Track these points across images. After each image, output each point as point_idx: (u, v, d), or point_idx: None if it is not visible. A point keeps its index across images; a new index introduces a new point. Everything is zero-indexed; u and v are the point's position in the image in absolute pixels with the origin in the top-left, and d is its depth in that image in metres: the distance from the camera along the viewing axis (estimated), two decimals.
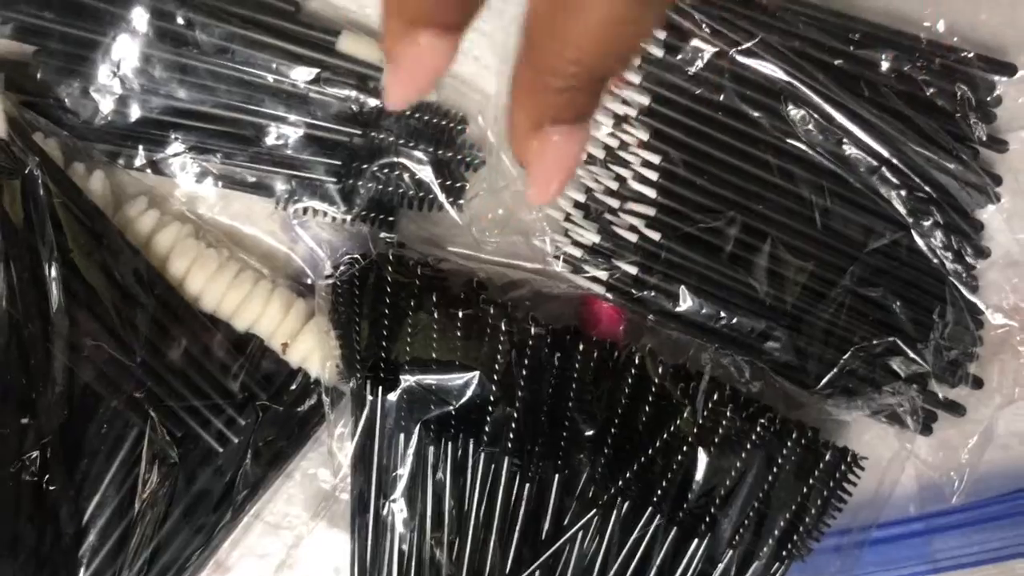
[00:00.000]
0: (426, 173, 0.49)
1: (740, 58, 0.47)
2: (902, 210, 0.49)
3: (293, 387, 0.49)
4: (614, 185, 0.48)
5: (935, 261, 0.48)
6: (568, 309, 0.50)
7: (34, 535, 0.46)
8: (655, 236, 0.47)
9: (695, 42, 0.47)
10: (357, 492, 0.48)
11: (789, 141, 0.48)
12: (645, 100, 0.48)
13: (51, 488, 0.46)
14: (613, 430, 0.46)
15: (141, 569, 0.47)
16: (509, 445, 0.46)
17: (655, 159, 0.48)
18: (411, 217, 0.50)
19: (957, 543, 0.52)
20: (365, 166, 0.49)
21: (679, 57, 0.48)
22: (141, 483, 0.46)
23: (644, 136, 0.48)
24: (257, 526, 0.52)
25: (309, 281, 0.51)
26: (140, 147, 0.49)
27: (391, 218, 0.50)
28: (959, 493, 0.51)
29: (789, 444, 0.46)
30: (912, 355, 0.48)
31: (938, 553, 0.52)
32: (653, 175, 0.48)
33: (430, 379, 0.45)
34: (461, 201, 0.50)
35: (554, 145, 0.25)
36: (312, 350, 0.49)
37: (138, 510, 0.47)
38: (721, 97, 0.48)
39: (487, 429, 0.46)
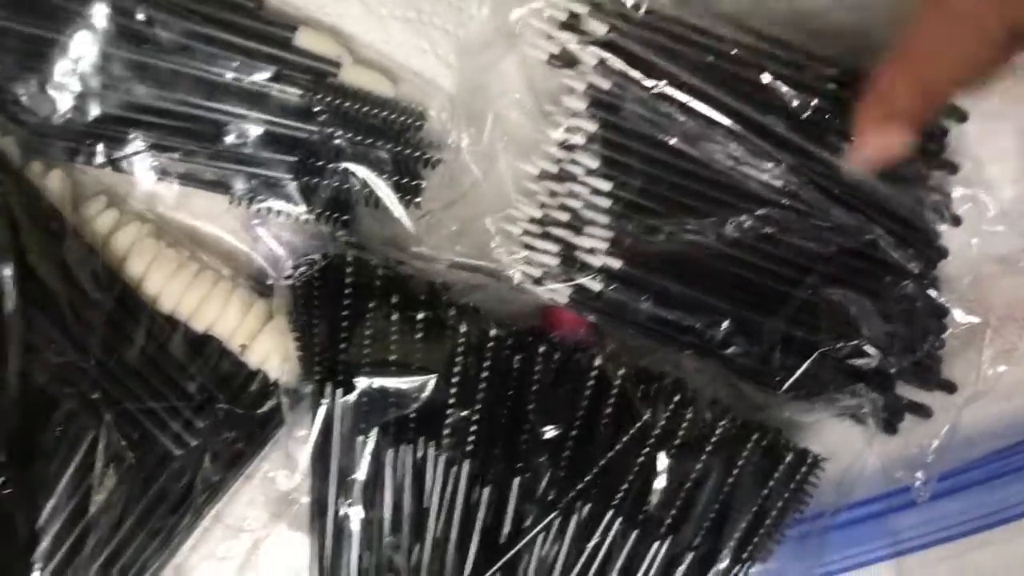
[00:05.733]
0: (379, 172, 0.48)
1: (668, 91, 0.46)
2: (854, 222, 0.48)
3: (252, 388, 0.48)
4: (573, 203, 0.47)
5: (895, 261, 0.48)
6: (529, 311, 0.50)
7: None
8: (616, 264, 0.46)
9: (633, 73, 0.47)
10: (315, 495, 0.48)
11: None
12: (592, 127, 0.47)
13: (5, 492, 0.45)
14: (573, 433, 0.46)
15: (97, 574, 0.47)
16: (468, 448, 0.46)
17: (606, 186, 0.47)
18: (373, 216, 0.50)
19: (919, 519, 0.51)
20: (322, 163, 0.48)
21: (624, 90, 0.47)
22: (96, 486, 0.46)
23: (593, 164, 0.47)
24: (217, 529, 0.51)
25: (270, 282, 0.50)
26: (99, 145, 0.48)
27: (346, 216, 0.49)
28: (923, 491, 0.51)
29: (750, 446, 0.46)
30: (874, 356, 0.48)
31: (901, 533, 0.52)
32: (605, 202, 0.47)
33: (387, 382, 0.45)
34: (418, 199, 0.49)
35: (892, 137, 0.39)
36: (271, 351, 0.48)
37: (93, 514, 0.46)
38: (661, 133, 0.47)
39: (446, 432, 0.46)
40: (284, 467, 0.51)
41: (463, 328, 0.45)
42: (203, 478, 0.48)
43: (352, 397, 0.45)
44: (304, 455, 0.50)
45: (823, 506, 0.49)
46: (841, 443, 0.51)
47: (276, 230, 0.50)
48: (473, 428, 0.46)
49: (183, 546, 0.50)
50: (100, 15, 0.47)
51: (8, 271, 0.45)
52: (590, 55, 0.46)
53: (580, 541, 0.47)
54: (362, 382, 0.45)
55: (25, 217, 0.45)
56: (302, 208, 0.49)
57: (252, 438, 0.49)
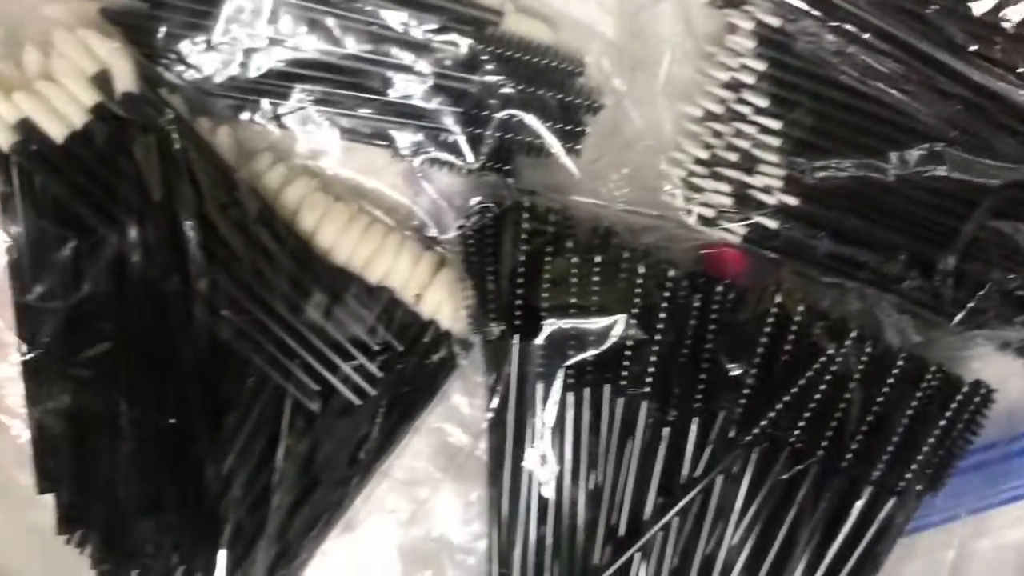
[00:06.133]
0: (543, 120, 0.49)
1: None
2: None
3: (425, 339, 0.49)
4: (741, 143, 0.47)
5: None
6: (691, 253, 0.50)
7: (177, 493, 0.46)
8: (793, 201, 0.46)
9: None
10: (495, 442, 0.48)
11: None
12: (760, 66, 0.47)
13: (193, 445, 0.46)
14: (753, 371, 0.46)
15: (282, 524, 0.47)
16: (647, 390, 0.46)
17: (776, 125, 0.47)
18: (532, 165, 0.50)
19: None
20: (487, 113, 0.48)
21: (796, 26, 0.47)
22: (282, 437, 0.46)
23: (763, 103, 0.47)
24: (384, 482, 0.51)
25: (430, 233, 0.51)
26: (264, 101, 0.48)
27: (508, 166, 0.50)
28: None
29: (927, 378, 0.46)
30: None
31: None
32: (775, 141, 0.47)
33: (572, 324, 0.45)
34: (579, 147, 0.49)
35: None
36: (443, 301, 0.48)
37: (279, 465, 0.46)
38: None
39: (625, 374, 0.46)
40: (449, 419, 0.51)
41: (641, 269, 0.45)
42: (379, 429, 0.48)
43: (537, 341, 0.45)
44: (471, 406, 0.51)
45: (992, 438, 0.49)
46: (1001, 377, 0.51)
47: (437, 182, 0.50)
48: (653, 369, 0.46)
49: (356, 499, 0.50)
50: None
51: (191, 230, 0.45)
52: None
53: (760, 479, 0.47)
54: (548, 325, 0.45)
55: (204, 175, 0.45)
56: (468, 159, 0.48)
57: (425, 389, 0.49)
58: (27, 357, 0.46)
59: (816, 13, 0.46)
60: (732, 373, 0.46)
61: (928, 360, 0.47)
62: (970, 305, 0.48)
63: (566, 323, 0.45)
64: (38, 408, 0.46)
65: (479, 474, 0.50)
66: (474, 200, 0.48)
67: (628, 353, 0.46)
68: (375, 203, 0.50)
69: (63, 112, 0.45)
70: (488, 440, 0.48)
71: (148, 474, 0.45)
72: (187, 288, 0.45)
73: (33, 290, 0.45)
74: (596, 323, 0.45)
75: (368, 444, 0.49)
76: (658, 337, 0.46)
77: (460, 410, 0.52)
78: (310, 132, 0.49)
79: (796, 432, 0.46)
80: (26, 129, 0.45)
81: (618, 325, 0.45)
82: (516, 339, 0.47)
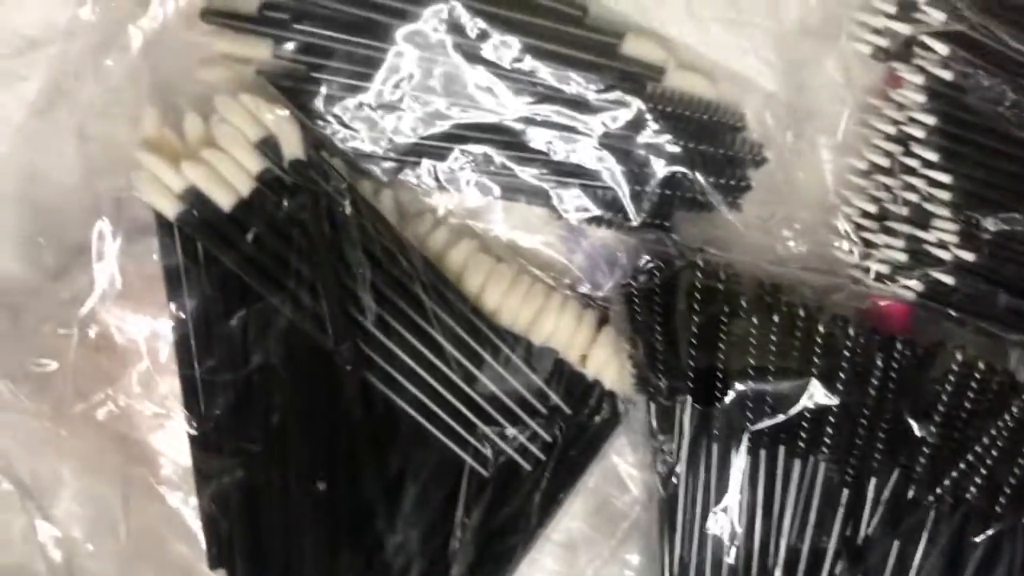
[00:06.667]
0: (706, 175, 0.48)
1: None
2: None
3: (591, 400, 0.48)
4: (911, 196, 0.47)
5: None
6: (852, 305, 0.49)
7: (356, 567, 0.45)
8: (970, 257, 0.46)
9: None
10: (667, 506, 0.47)
11: None
12: (930, 120, 0.46)
13: (371, 518, 0.45)
14: (936, 429, 0.45)
15: None
16: (828, 450, 0.46)
17: (947, 179, 0.46)
18: (691, 220, 0.49)
19: None
20: (650, 170, 0.48)
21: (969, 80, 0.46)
22: (460, 506, 0.45)
23: (933, 157, 0.46)
24: (545, 545, 0.51)
25: (583, 290, 0.50)
26: (423, 162, 0.48)
27: (667, 223, 0.49)
28: None
29: None
30: None
31: None
32: (946, 195, 0.46)
33: (756, 387, 0.45)
34: (740, 201, 0.49)
35: None
36: (607, 361, 0.48)
37: (457, 535, 0.45)
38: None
39: (804, 435, 0.46)
40: (608, 479, 0.51)
41: (821, 328, 0.45)
42: (545, 493, 0.48)
43: (722, 404, 0.45)
44: (629, 464, 0.50)
45: None
46: None
47: (592, 237, 0.50)
48: (832, 429, 0.45)
49: (521, 563, 0.49)
50: (428, 33, 0.46)
51: (366, 294, 0.44)
52: (932, 45, 0.46)
53: (938, 541, 0.46)
54: (735, 389, 0.44)
55: (375, 242, 0.45)
56: (631, 216, 0.48)
57: (588, 450, 0.49)
58: (196, 433, 0.45)
59: (988, 66, 0.46)
60: (915, 432, 0.45)
61: None
62: None
63: (749, 387, 0.45)
64: (210, 483, 0.45)
65: (641, 536, 0.50)
66: (640, 259, 0.48)
67: (807, 415, 0.45)
68: (531, 261, 0.50)
69: (230, 180, 0.44)
70: (658, 503, 0.47)
71: (325, 548, 0.44)
72: (360, 358, 0.44)
73: (203, 363, 0.44)
74: (781, 386, 0.45)
75: (534, 508, 0.48)
76: (840, 399, 0.45)
77: (617, 470, 0.51)
78: (470, 192, 0.48)
79: (975, 491, 0.46)
80: (193, 198, 0.44)
81: (810, 389, 0.44)
82: (690, 402, 0.46)
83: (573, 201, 0.48)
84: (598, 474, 0.51)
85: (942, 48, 0.45)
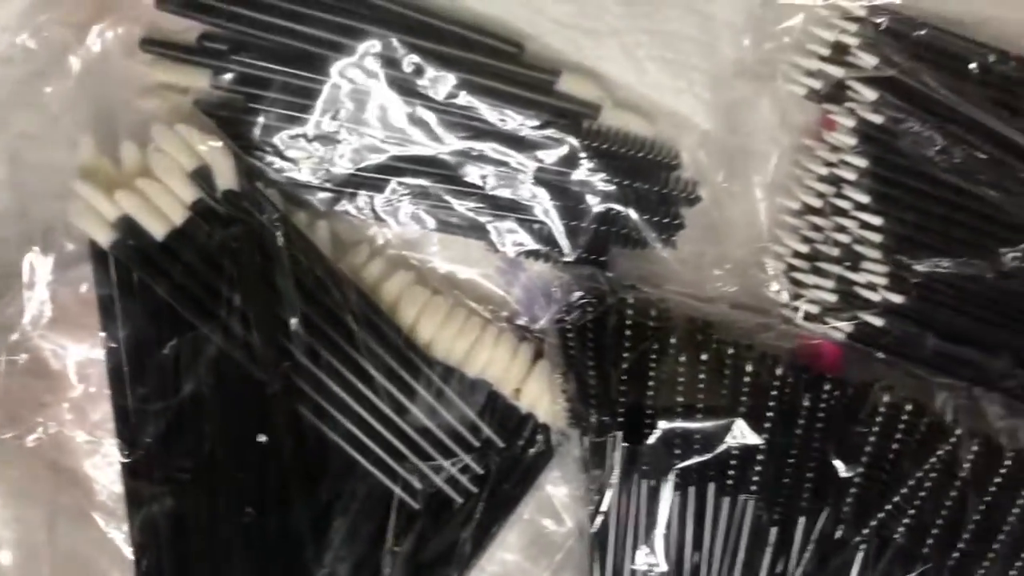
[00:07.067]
0: (641, 212, 0.48)
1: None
2: None
3: (524, 433, 0.48)
4: (842, 238, 0.47)
5: None
6: (782, 344, 0.50)
7: None
8: (898, 299, 0.46)
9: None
10: (597, 540, 0.47)
11: None
12: (862, 163, 0.47)
13: (298, 548, 0.45)
14: (862, 469, 0.46)
15: None
16: (756, 489, 0.46)
17: (878, 221, 0.47)
18: (626, 256, 0.50)
19: None
20: (584, 206, 0.48)
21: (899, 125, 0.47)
22: (389, 538, 0.45)
23: (863, 199, 0.47)
24: None
25: (521, 323, 0.50)
26: (360, 193, 0.48)
27: (603, 258, 0.49)
28: None
29: None
30: None
31: None
32: (877, 237, 0.47)
33: (685, 425, 0.45)
34: (674, 238, 0.49)
35: None
36: (541, 394, 0.48)
37: (385, 567, 0.46)
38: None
39: (733, 474, 0.46)
40: (543, 510, 0.51)
41: (748, 368, 0.45)
42: (478, 525, 0.48)
43: (648, 441, 0.45)
44: (562, 495, 0.50)
45: None
46: None
47: (529, 271, 0.50)
48: (761, 469, 0.46)
49: None
50: (365, 65, 0.46)
51: (295, 325, 0.44)
52: (862, 90, 0.46)
53: None
54: (660, 426, 0.45)
55: (306, 272, 0.45)
56: (566, 251, 0.48)
57: (521, 482, 0.49)
58: (127, 460, 0.45)
59: (918, 111, 0.46)
60: (842, 473, 0.45)
61: None
62: None
63: (677, 424, 0.45)
64: (140, 511, 0.45)
65: (574, 567, 0.50)
66: (573, 294, 0.48)
67: (735, 454, 0.45)
68: (469, 293, 0.50)
69: (164, 210, 0.44)
70: (589, 538, 0.48)
71: None
72: (290, 387, 0.44)
73: (135, 391, 0.44)
74: (708, 424, 0.45)
75: (467, 540, 0.48)
76: (767, 438, 0.45)
77: (552, 501, 0.51)
78: (406, 224, 0.48)
79: (902, 531, 0.46)
80: (126, 227, 0.44)
81: (734, 428, 0.44)
82: (620, 438, 0.46)
83: (509, 235, 0.49)
84: (532, 505, 0.51)
85: (870, 93, 0.46)
